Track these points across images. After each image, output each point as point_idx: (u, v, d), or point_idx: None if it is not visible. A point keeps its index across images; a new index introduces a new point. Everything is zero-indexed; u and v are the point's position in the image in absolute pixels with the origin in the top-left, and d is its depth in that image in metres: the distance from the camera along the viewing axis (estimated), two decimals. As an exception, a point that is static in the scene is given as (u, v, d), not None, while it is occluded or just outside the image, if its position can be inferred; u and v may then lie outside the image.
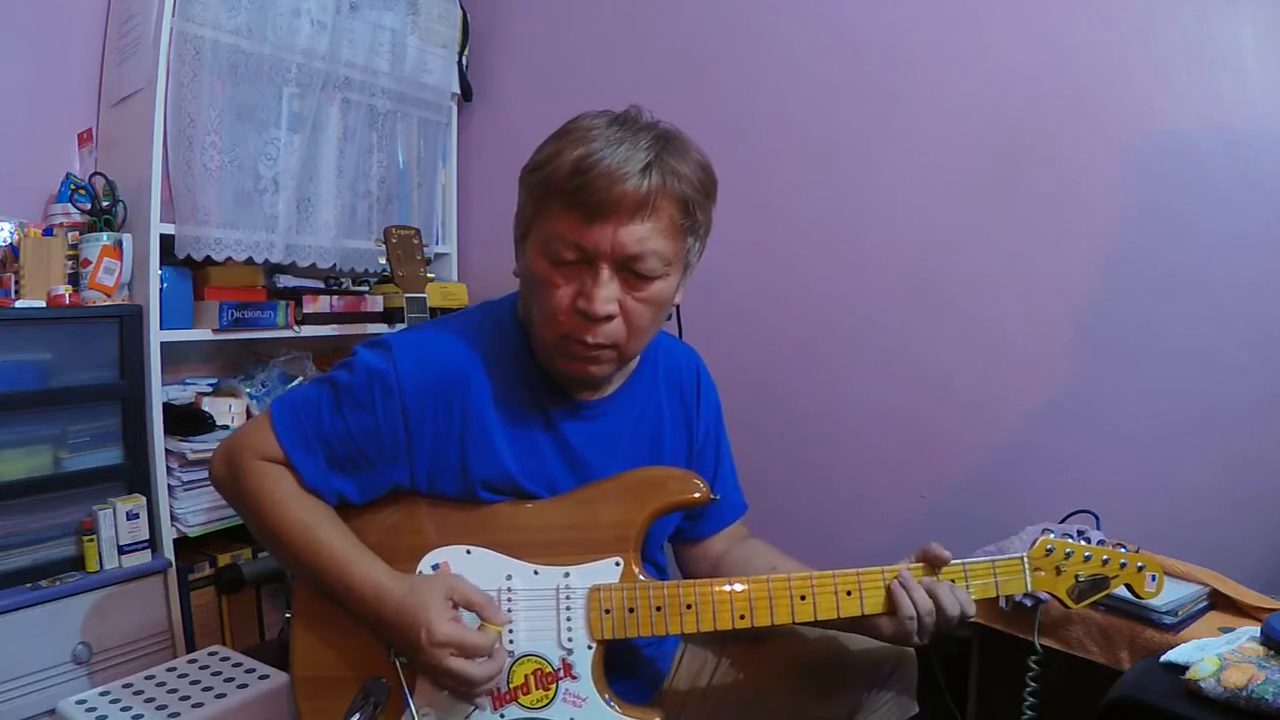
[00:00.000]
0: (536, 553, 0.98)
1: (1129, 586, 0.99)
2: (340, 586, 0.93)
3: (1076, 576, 0.99)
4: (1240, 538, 1.45)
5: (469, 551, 0.98)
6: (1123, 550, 1.00)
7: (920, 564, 0.97)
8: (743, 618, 0.95)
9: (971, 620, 1.41)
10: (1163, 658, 0.91)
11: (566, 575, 0.97)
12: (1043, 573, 0.99)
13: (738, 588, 0.96)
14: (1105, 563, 0.99)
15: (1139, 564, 0.99)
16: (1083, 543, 1.00)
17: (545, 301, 0.94)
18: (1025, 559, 0.99)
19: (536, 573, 0.98)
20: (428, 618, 0.89)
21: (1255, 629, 0.93)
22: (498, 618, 0.94)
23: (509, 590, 0.97)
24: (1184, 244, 1.52)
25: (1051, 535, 1.00)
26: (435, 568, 0.97)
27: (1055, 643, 1.30)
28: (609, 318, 0.92)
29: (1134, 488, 1.55)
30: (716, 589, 0.96)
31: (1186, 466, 1.52)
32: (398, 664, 0.93)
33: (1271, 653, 0.87)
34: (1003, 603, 1.36)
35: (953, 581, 0.96)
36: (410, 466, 0.98)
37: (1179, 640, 1.06)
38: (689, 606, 0.95)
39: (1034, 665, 1.32)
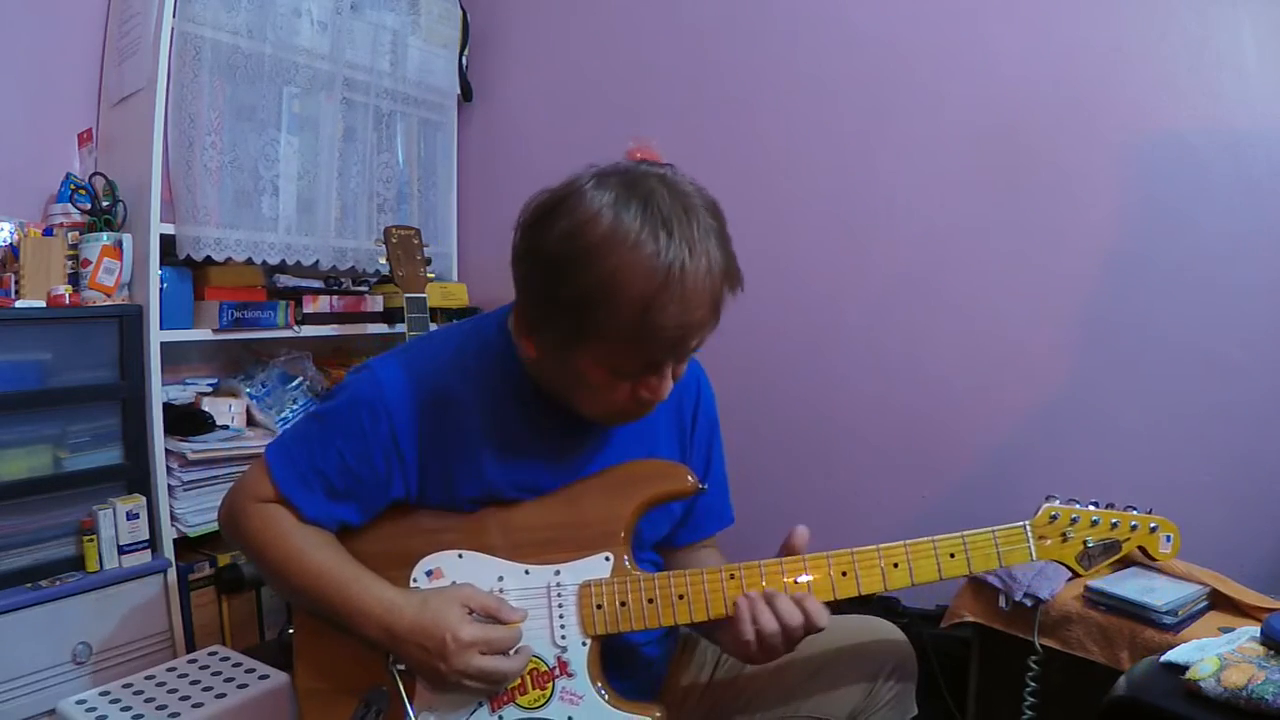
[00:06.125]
0: (527, 553, 0.98)
1: (1143, 549, 0.96)
2: (345, 609, 0.93)
3: (1085, 542, 0.95)
4: (1240, 538, 1.45)
5: (460, 556, 0.98)
6: (1133, 511, 0.97)
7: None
8: (735, 605, 0.94)
9: (971, 621, 1.41)
10: (1163, 658, 0.90)
11: (557, 573, 0.97)
12: (1048, 541, 0.95)
13: (729, 576, 0.95)
14: (1114, 526, 0.96)
15: (1151, 524, 0.96)
16: (1090, 507, 0.96)
17: (601, 397, 0.92)
18: (1028, 527, 0.96)
19: (528, 572, 0.98)
20: (450, 623, 0.90)
21: (1255, 629, 0.93)
22: (515, 615, 0.95)
23: (501, 591, 0.97)
24: (1184, 244, 1.52)
25: (1055, 502, 0.97)
26: (429, 573, 0.98)
27: (1055, 643, 1.30)
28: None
29: (1134, 488, 1.54)
30: (708, 577, 0.95)
31: (1186, 466, 1.52)
32: (395, 671, 0.93)
33: (1271, 653, 0.87)
34: (1002, 602, 1.36)
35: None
36: (405, 483, 0.99)
37: (1179, 640, 1.06)
38: (680, 597, 0.95)
39: (1034, 665, 1.32)
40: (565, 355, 0.90)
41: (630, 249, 0.82)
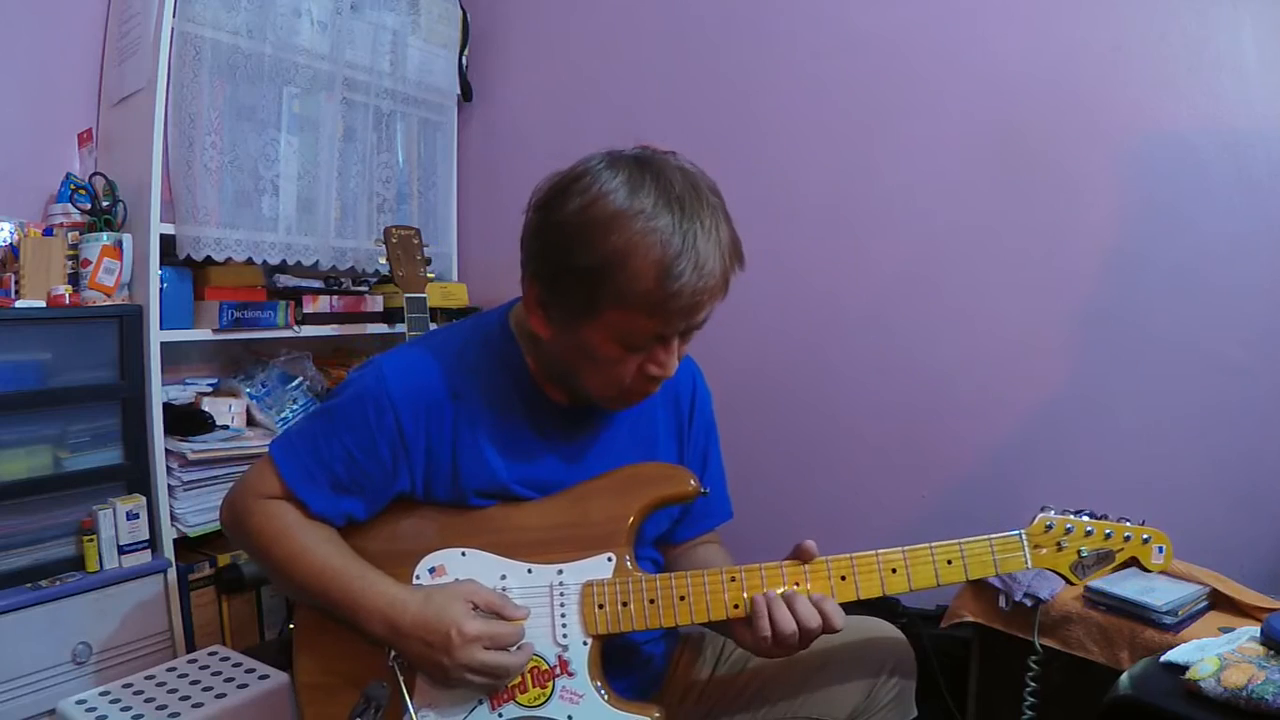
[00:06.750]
0: (530, 552, 0.99)
1: (1135, 559, 0.98)
2: (349, 605, 0.94)
3: (1079, 552, 0.97)
4: (1240, 538, 1.45)
5: (464, 554, 0.99)
6: (1126, 523, 0.98)
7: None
8: (736, 607, 0.95)
9: (971, 621, 1.41)
10: (1163, 658, 0.90)
11: (560, 573, 0.98)
12: (1043, 550, 0.97)
13: (730, 578, 0.95)
14: (1108, 536, 0.97)
15: (1144, 536, 0.97)
16: (1084, 519, 0.98)
17: (610, 372, 0.94)
18: (1024, 536, 0.98)
19: (530, 571, 0.98)
20: (454, 618, 0.91)
21: (1255, 629, 0.93)
22: (518, 612, 0.95)
23: (504, 590, 0.97)
24: (1184, 243, 1.52)
25: (1051, 513, 0.99)
26: (432, 571, 0.98)
27: (1055, 643, 1.30)
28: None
29: (1134, 488, 1.55)
30: (709, 578, 0.96)
31: (1187, 466, 1.52)
32: (395, 666, 0.93)
33: (1271, 653, 0.87)
34: (1002, 602, 1.36)
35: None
36: (410, 475, 1.00)
37: (1179, 640, 1.06)
38: (682, 598, 0.96)
39: (1034, 665, 1.32)
40: (578, 328, 0.92)
41: (647, 218, 0.86)
